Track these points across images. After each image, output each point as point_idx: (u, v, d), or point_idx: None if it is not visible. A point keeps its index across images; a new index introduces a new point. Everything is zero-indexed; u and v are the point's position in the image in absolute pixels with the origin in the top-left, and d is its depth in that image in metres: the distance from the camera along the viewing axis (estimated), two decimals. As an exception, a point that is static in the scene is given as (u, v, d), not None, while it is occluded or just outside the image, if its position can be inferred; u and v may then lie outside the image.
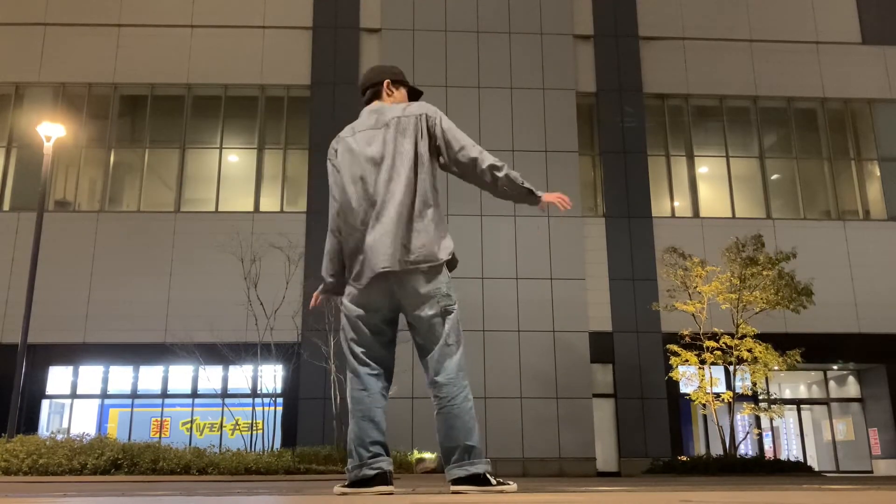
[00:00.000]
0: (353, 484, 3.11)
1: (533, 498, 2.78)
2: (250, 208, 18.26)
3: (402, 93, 3.54)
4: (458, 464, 3.08)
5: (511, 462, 16.11)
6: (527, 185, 3.34)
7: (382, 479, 3.09)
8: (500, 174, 3.30)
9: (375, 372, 3.23)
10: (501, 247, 17.75)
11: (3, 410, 13.19)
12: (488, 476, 3.09)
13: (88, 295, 17.15)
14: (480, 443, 3.13)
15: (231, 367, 16.02)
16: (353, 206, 3.22)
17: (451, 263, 3.26)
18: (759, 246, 15.68)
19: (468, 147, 3.29)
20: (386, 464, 3.12)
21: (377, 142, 3.27)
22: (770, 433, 18.64)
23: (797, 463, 15.63)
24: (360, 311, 3.21)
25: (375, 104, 3.44)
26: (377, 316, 3.22)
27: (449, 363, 3.15)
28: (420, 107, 3.34)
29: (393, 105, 3.40)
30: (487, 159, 3.28)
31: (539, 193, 3.34)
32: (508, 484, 3.13)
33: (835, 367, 19.35)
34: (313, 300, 3.50)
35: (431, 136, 3.28)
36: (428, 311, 3.15)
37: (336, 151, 3.38)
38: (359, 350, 3.22)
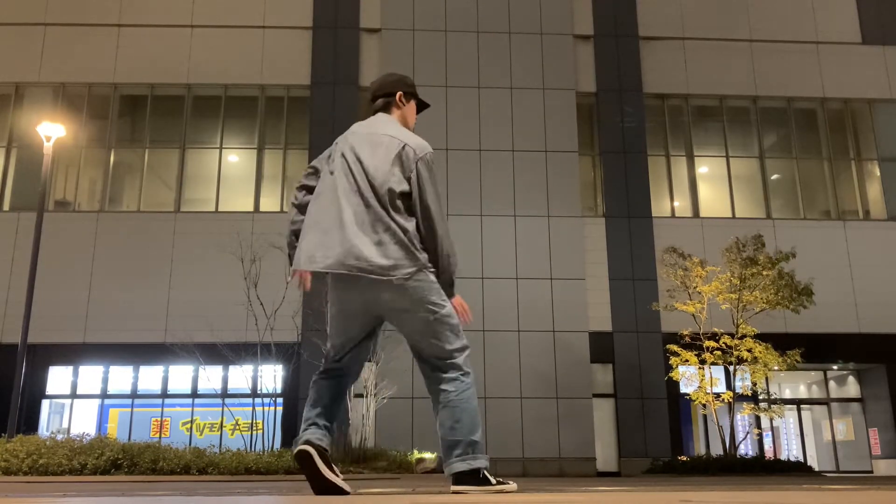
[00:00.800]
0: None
1: (533, 498, 2.79)
2: (250, 208, 18.26)
3: (411, 106, 3.58)
4: (461, 457, 3.09)
5: (511, 462, 16.11)
6: (446, 279, 3.25)
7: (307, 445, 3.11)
8: (436, 254, 3.24)
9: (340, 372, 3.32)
10: (501, 247, 17.75)
11: (3, 410, 13.19)
12: (487, 474, 3.10)
13: (88, 295, 17.16)
14: (482, 438, 3.16)
15: (231, 367, 16.01)
16: (328, 198, 3.24)
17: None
18: (759, 246, 15.68)
19: (426, 208, 3.21)
20: (312, 434, 3.14)
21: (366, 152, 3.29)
22: (770, 433, 18.64)
23: (797, 463, 15.63)
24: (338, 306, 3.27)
25: (382, 116, 3.48)
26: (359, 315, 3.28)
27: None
28: (414, 140, 3.31)
29: (397, 124, 3.43)
30: (434, 236, 3.22)
31: (452, 292, 3.29)
32: (508, 483, 3.14)
33: (835, 367, 19.35)
34: (299, 280, 3.39)
35: (408, 169, 3.25)
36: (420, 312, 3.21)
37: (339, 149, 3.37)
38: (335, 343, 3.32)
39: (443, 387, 3.16)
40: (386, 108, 3.50)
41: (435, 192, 3.28)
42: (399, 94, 3.51)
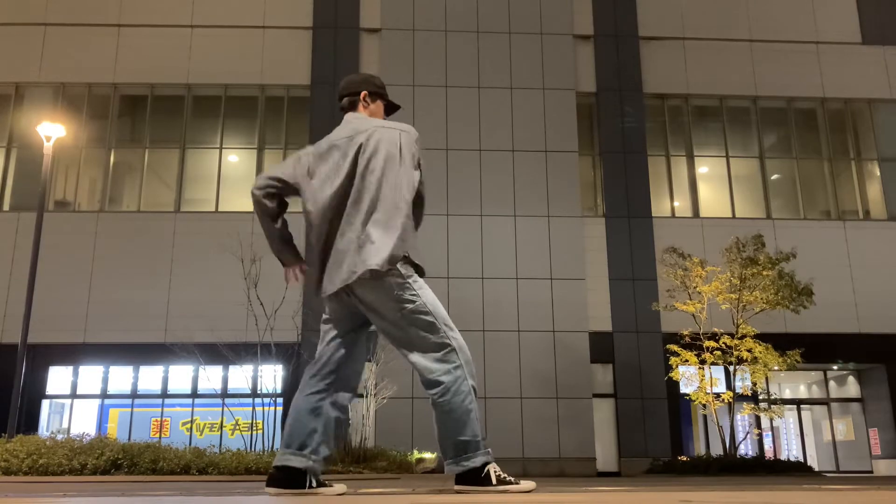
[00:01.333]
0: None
1: (533, 498, 2.78)
2: (250, 208, 18.11)
3: (378, 105, 3.52)
4: (453, 460, 3.02)
5: (511, 462, 16.01)
6: None
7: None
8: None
9: None
10: (501, 247, 17.75)
11: (3, 410, 13.18)
12: (491, 472, 2.99)
13: (88, 295, 17.16)
14: (476, 436, 3.02)
15: (231, 367, 16.02)
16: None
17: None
18: (760, 246, 15.67)
19: (423, 189, 3.32)
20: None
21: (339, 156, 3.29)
22: (770, 433, 18.64)
23: (797, 463, 15.63)
24: None
25: (350, 115, 3.47)
26: None
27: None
28: (404, 126, 3.33)
29: (370, 118, 3.42)
30: (420, 220, 3.37)
31: None
32: (516, 483, 3.00)
33: (835, 367, 19.34)
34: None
35: (416, 155, 3.27)
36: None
37: (311, 156, 3.36)
38: None
39: (427, 390, 3.07)
40: (352, 108, 3.48)
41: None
42: (363, 93, 3.47)
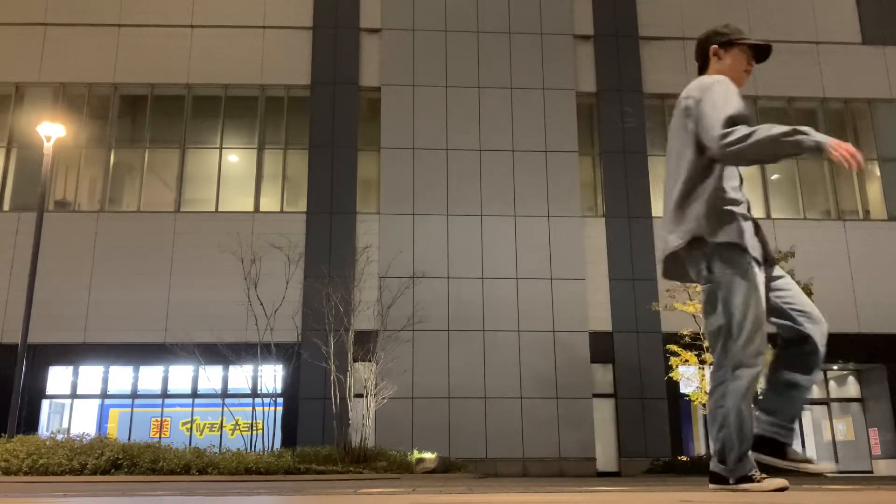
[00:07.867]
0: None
1: (533, 498, 2.78)
2: (250, 208, 18.26)
3: (734, 53, 3.12)
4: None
5: (511, 462, 16.10)
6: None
7: None
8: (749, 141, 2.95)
9: None
10: (501, 247, 17.74)
11: (3, 410, 13.19)
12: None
13: (88, 295, 17.16)
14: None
15: (231, 367, 16.02)
16: None
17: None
18: (759, 246, 15.65)
19: (709, 129, 2.93)
20: None
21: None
22: (770, 433, 18.61)
23: (797, 463, 15.60)
24: None
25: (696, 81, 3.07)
26: None
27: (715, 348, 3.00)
28: (691, 86, 3.07)
29: (694, 81, 3.12)
30: (729, 138, 2.91)
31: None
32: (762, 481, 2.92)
33: (835, 367, 19.34)
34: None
35: (693, 120, 2.99)
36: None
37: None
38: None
39: None
40: (703, 72, 3.18)
41: (709, 119, 2.92)
42: (713, 48, 3.15)
